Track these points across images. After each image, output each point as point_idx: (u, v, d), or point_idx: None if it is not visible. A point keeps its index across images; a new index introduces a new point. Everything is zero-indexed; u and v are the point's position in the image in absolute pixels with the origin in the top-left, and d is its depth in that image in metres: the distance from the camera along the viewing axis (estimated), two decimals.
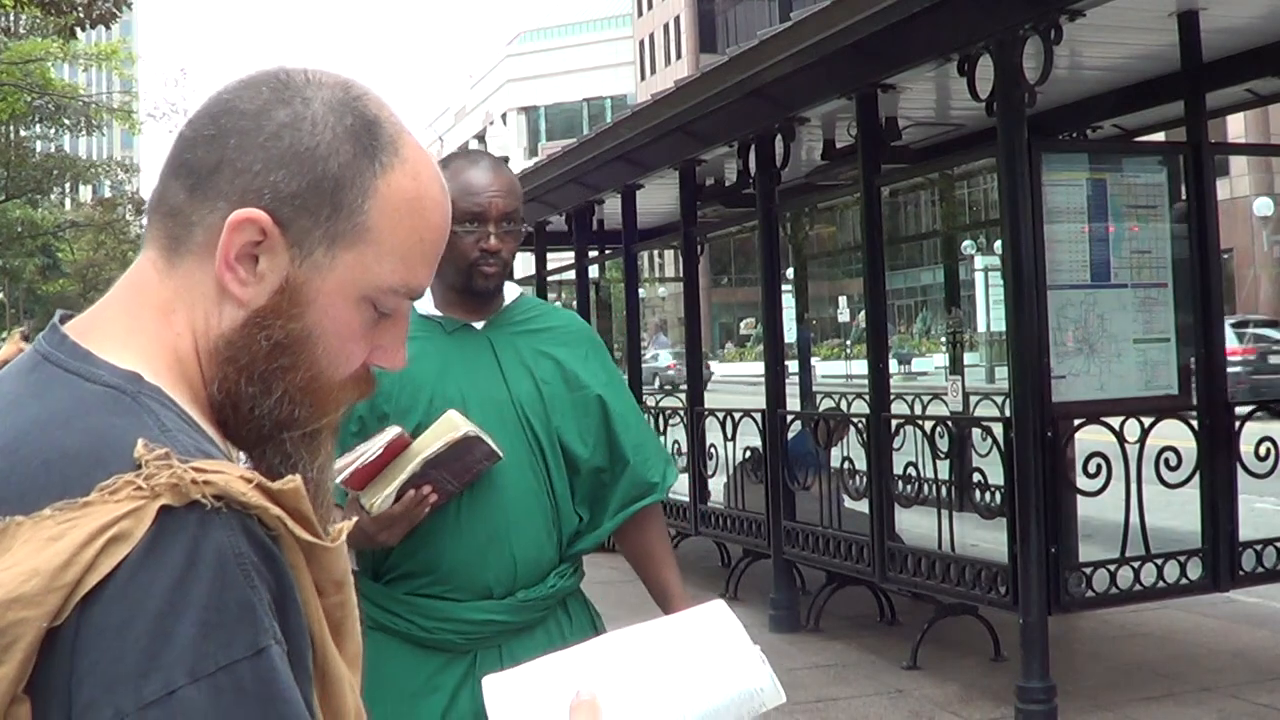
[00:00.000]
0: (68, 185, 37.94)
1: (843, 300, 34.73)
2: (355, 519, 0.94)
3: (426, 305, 2.39)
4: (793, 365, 8.46)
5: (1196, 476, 5.45)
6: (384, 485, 2.12)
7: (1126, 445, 5.24)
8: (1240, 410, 5.67)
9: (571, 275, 10.65)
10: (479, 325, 2.38)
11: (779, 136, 6.82)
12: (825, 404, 8.76)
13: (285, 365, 0.92)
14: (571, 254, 10.27)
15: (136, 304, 0.92)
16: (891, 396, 6.55)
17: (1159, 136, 7.11)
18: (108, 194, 42.71)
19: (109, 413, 0.83)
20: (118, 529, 0.77)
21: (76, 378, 0.86)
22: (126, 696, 0.75)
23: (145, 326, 0.91)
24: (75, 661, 0.76)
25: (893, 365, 8.93)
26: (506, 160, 2.73)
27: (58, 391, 0.85)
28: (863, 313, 7.69)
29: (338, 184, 0.91)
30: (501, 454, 2.19)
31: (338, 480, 2.11)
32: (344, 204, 0.91)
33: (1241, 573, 5.48)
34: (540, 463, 2.32)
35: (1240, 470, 5.53)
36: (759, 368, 7.61)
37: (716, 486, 7.90)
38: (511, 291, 2.45)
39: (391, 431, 2.12)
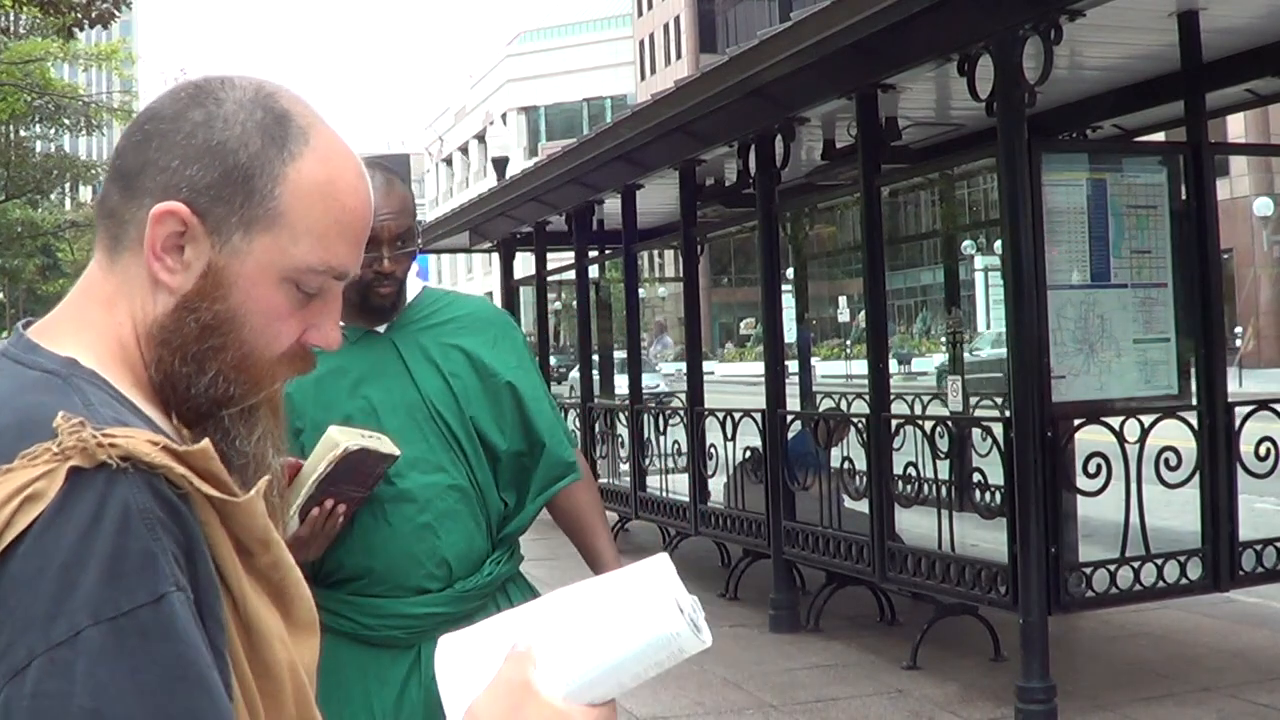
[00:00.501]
0: (68, 185, 37.94)
1: (843, 300, 34.72)
2: (264, 482, 0.98)
3: None
4: (793, 365, 8.46)
5: (1196, 476, 5.45)
6: (286, 511, 2.14)
7: (1126, 445, 5.24)
8: (1240, 410, 5.67)
9: (571, 275, 10.65)
10: (381, 329, 2.38)
11: (779, 136, 6.82)
12: (825, 404, 8.75)
13: (216, 345, 1.00)
14: (571, 254, 10.27)
15: (84, 301, 1.01)
16: (891, 396, 6.55)
17: (1159, 136, 7.11)
18: None
19: (40, 392, 0.92)
20: (33, 489, 0.85)
21: (20, 366, 0.95)
22: (37, 638, 0.82)
23: (90, 319, 1.00)
24: None
25: (892, 365, 8.92)
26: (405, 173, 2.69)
27: (3, 380, 0.95)
28: (863, 313, 7.69)
29: (248, 173, 0.98)
30: (398, 452, 2.19)
31: None
32: (255, 191, 0.98)
33: (1241, 573, 5.48)
34: (460, 456, 2.34)
35: (1240, 470, 5.53)
36: (759, 368, 7.61)
37: (716, 486, 7.90)
38: (414, 287, 2.44)
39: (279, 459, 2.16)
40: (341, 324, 2.30)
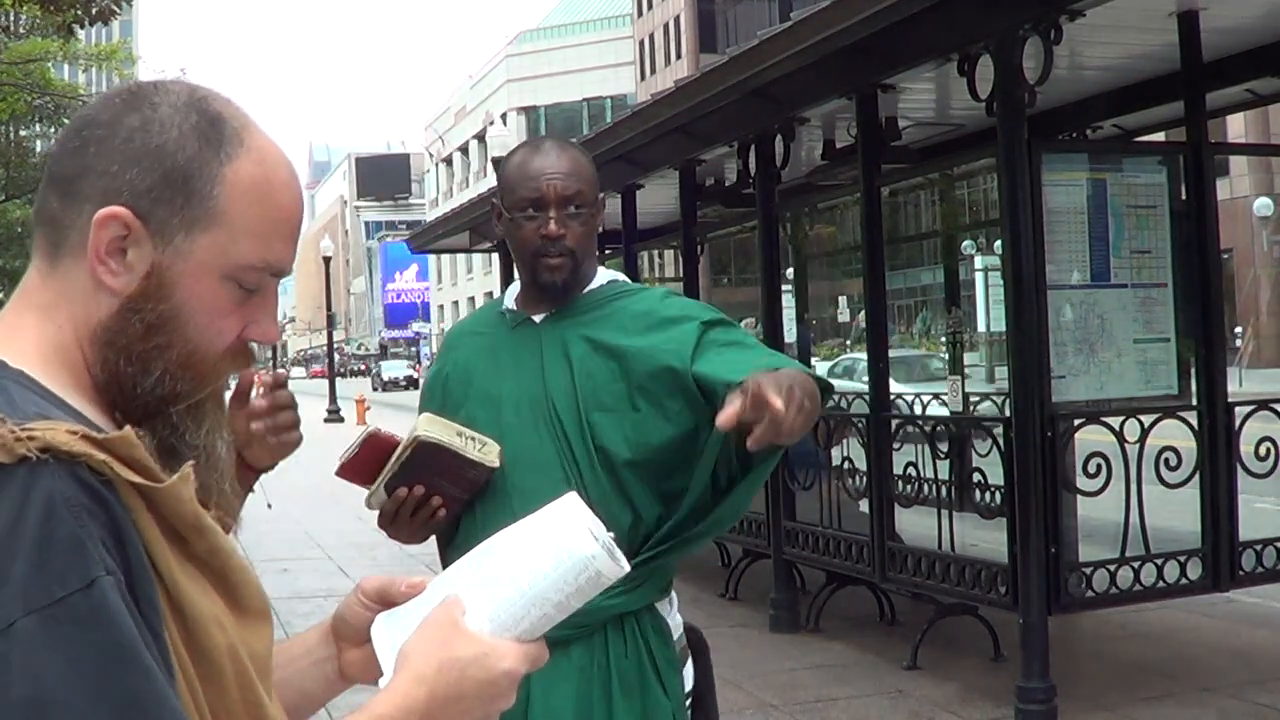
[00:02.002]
0: None
1: (843, 300, 34.69)
2: (188, 468, 0.99)
3: (510, 300, 2.30)
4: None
5: (1196, 476, 5.45)
6: (373, 483, 2.16)
7: (1126, 445, 5.24)
8: (1240, 410, 5.67)
9: None
10: (538, 318, 2.25)
11: (779, 136, 6.82)
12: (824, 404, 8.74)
13: (161, 344, 1.02)
14: None
15: (21, 307, 1.03)
16: (891, 397, 6.55)
17: (1159, 136, 7.11)
18: None
19: None
20: None
21: None
22: None
23: (26, 324, 1.01)
24: None
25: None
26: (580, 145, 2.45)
27: None
28: (863, 313, 7.69)
29: (186, 175, 1.00)
30: (496, 464, 2.09)
31: (335, 471, 2.18)
32: (195, 192, 1.00)
33: (1241, 573, 5.49)
34: (570, 461, 2.14)
35: (1240, 470, 5.53)
36: None
37: None
38: (600, 278, 2.28)
39: (366, 430, 2.17)
40: (514, 309, 2.28)
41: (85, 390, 1.01)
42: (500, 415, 2.18)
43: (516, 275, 2.35)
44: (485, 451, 2.12)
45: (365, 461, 2.14)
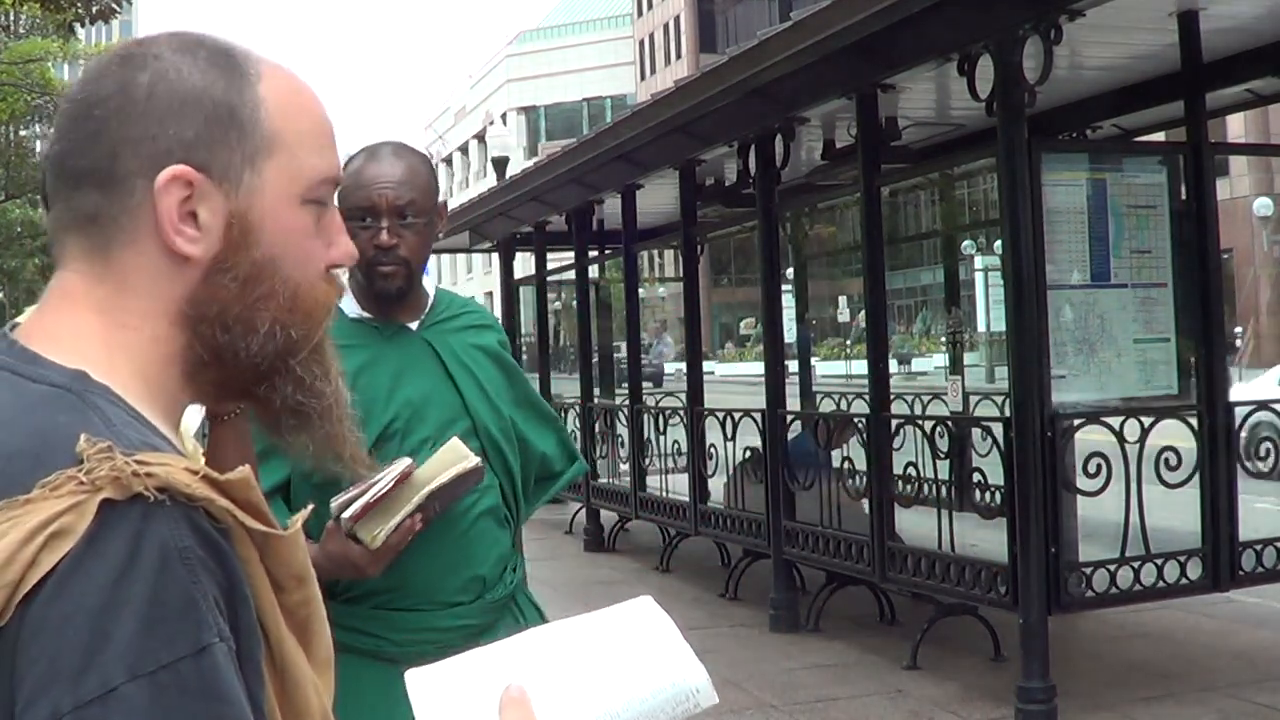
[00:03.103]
0: None
1: (843, 300, 34.70)
2: (307, 512, 0.92)
3: (353, 307, 2.27)
4: (793, 365, 8.46)
5: (1196, 476, 5.45)
6: (386, 518, 2.01)
7: (1126, 445, 5.24)
8: (1240, 410, 5.67)
9: (571, 275, 10.65)
10: (413, 326, 2.28)
11: (779, 136, 6.81)
12: (825, 404, 8.75)
13: (263, 294, 0.92)
14: (571, 254, 10.27)
15: (71, 309, 0.91)
16: (891, 396, 6.55)
17: (1159, 136, 7.11)
18: None
19: (53, 411, 0.82)
20: (59, 524, 0.76)
21: (21, 379, 0.85)
22: (64, 694, 0.73)
23: (87, 325, 0.90)
24: (17, 660, 0.75)
25: (892, 365, 8.93)
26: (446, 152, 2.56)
27: (3, 394, 0.84)
28: (863, 313, 7.69)
29: (230, 109, 0.92)
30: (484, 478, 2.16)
31: (343, 517, 2.01)
32: (244, 122, 0.92)
33: (1241, 573, 5.48)
34: (498, 463, 2.28)
35: (1240, 470, 5.53)
36: (759, 368, 7.61)
37: (716, 486, 7.90)
38: (430, 287, 2.35)
39: (400, 464, 2.01)
40: (370, 317, 2.25)
41: (157, 398, 0.91)
42: (426, 422, 2.19)
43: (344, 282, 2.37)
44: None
45: (381, 500, 1.99)
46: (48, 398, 0.83)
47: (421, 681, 1.06)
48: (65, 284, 0.91)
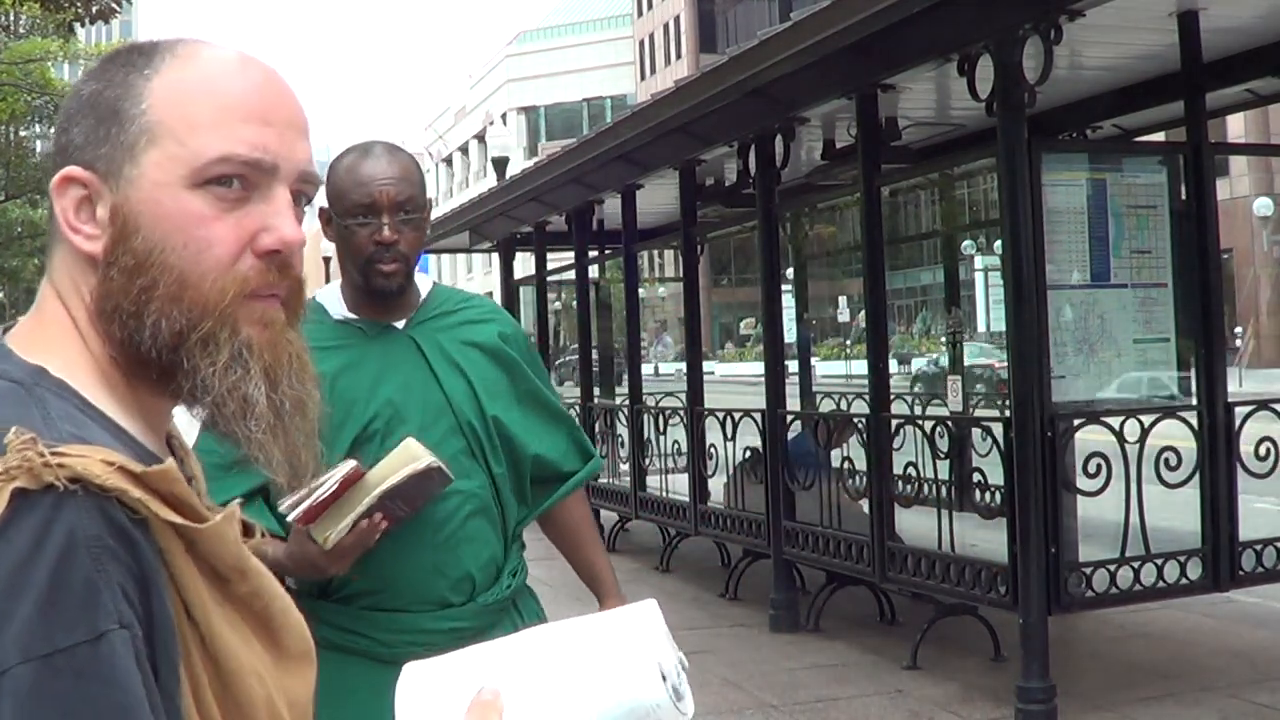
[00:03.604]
0: None
1: (843, 300, 34.71)
2: (235, 507, 0.92)
3: (340, 308, 2.28)
4: (792, 365, 8.46)
5: (1196, 476, 5.45)
6: (338, 519, 2.02)
7: (1126, 445, 5.24)
8: (1240, 410, 5.67)
9: (571, 275, 10.64)
10: (400, 325, 2.28)
11: (779, 136, 6.81)
12: (825, 404, 8.75)
13: (146, 284, 0.92)
14: (571, 254, 10.27)
15: (43, 308, 0.96)
16: (891, 396, 6.55)
17: (1159, 136, 7.11)
18: None
19: (3, 404, 0.85)
20: None
21: None
22: None
23: (57, 325, 0.94)
24: None
25: (892, 365, 8.93)
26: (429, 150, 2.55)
27: None
28: (863, 313, 7.69)
29: (114, 106, 0.93)
30: (453, 477, 2.11)
31: (288, 519, 2.03)
32: (123, 115, 0.93)
33: (1241, 573, 5.48)
34: (481, 462, 2.25)
35: (1240, 470, 5.53)
36: (759, 367, 7.61)
37: (716, 486, 7.90)
38: (424, 284, 2.34)
39: (345, 466, 2.01)
40: (355, 317, 2.25)
41: (119, 393, 0.93)
42: (405, 422, 2.17)
43: (335, 284, 2.35)
44: (445, 465, 2.10)
45: (332, 500, 2.00)
46: (3, 392, 0.87)
47: (412, 675, 1.08)
48: (44, 286, 0.97)
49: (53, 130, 0.98)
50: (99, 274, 0.93)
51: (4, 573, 0.77)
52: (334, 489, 1.98)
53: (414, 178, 2.23)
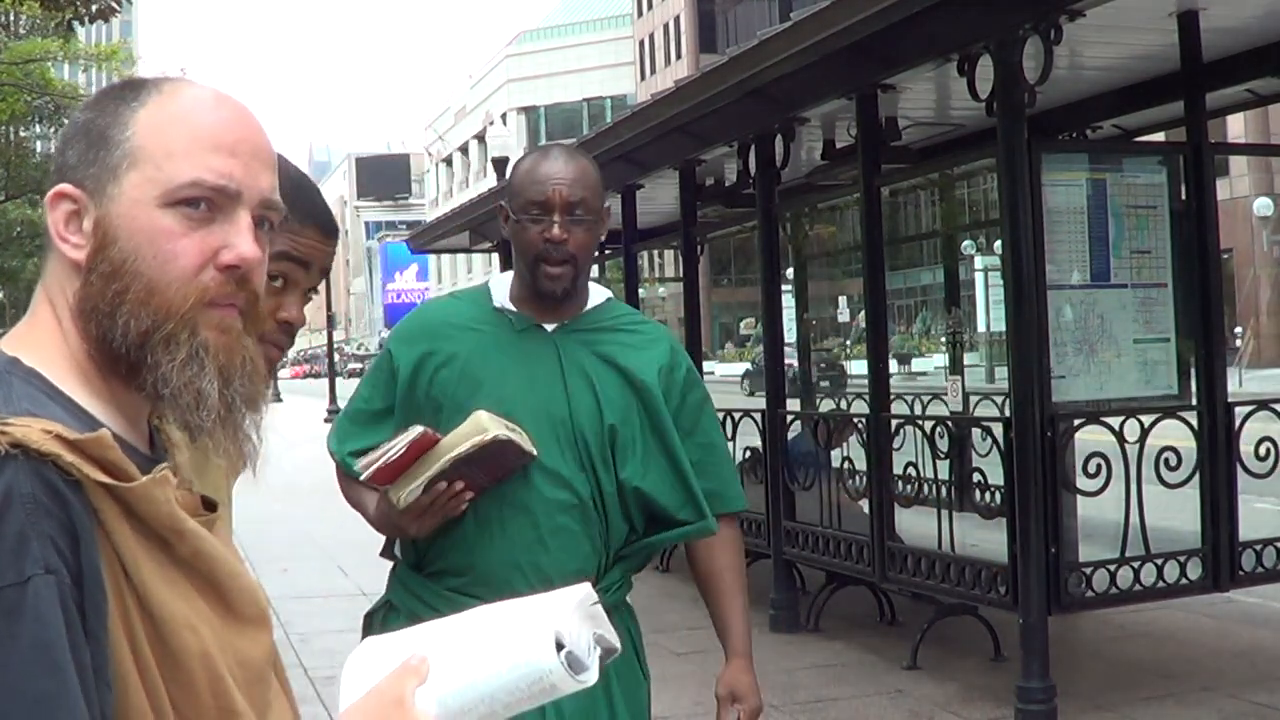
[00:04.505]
0: None
1: (843, 300, 34.70)
2: (165, 472, 1.00)
3: (501, 297, 2.33)
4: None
5: (1196, 476, 5.45)
6: (411, 480, 2.12)
7: (1126, 445, 5.24)
8: (1240, 410, 5.67)
9: None
10: (550, 327, 2.30)
11: (779, 136, 6.81)
12: (825, 404, 8.75)
13: (119, 289, 1.03)
14: None
15: (34, 308, 1.09)
16: (891, 396, 6.55)
17: (1159, 136, 7.11)
18: None
19: None
20: None
21: None
22: None
23: (43, 323, 1.07)
24: None
25: (892, 365, 8.92)
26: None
27: None
28: (863, 313, 7.69)
29: (102, 132, 1.06)
30: (535, 453, 2.14)
31: (362, 477, 2.16)
32: (110, 140, 1.05)
33: (1241, 573, 5.48)
34: (590, 476, 2.23)
35: (1240, 470, 5.53)
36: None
37: None
38: (597, 295, 2.36)
39: (414, 431, 2.09)
40: (512, 309, 2.30)
41: (92, 382, 1.04)
42: (520, 422, 2.17)
43: (510, 273, 2.38)
44: (526, 441, 2.14)
45: (406, 463, 2.12)
46: None
47: (362, 649, 1.15)
48: (38, 289, 1.09)
49: (53, 144, 1.07)
50: (82, 279, 1.05)
51: None
52: (403, 451, 2.08)
53: (590, 182, 2.27)
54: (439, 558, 2.25)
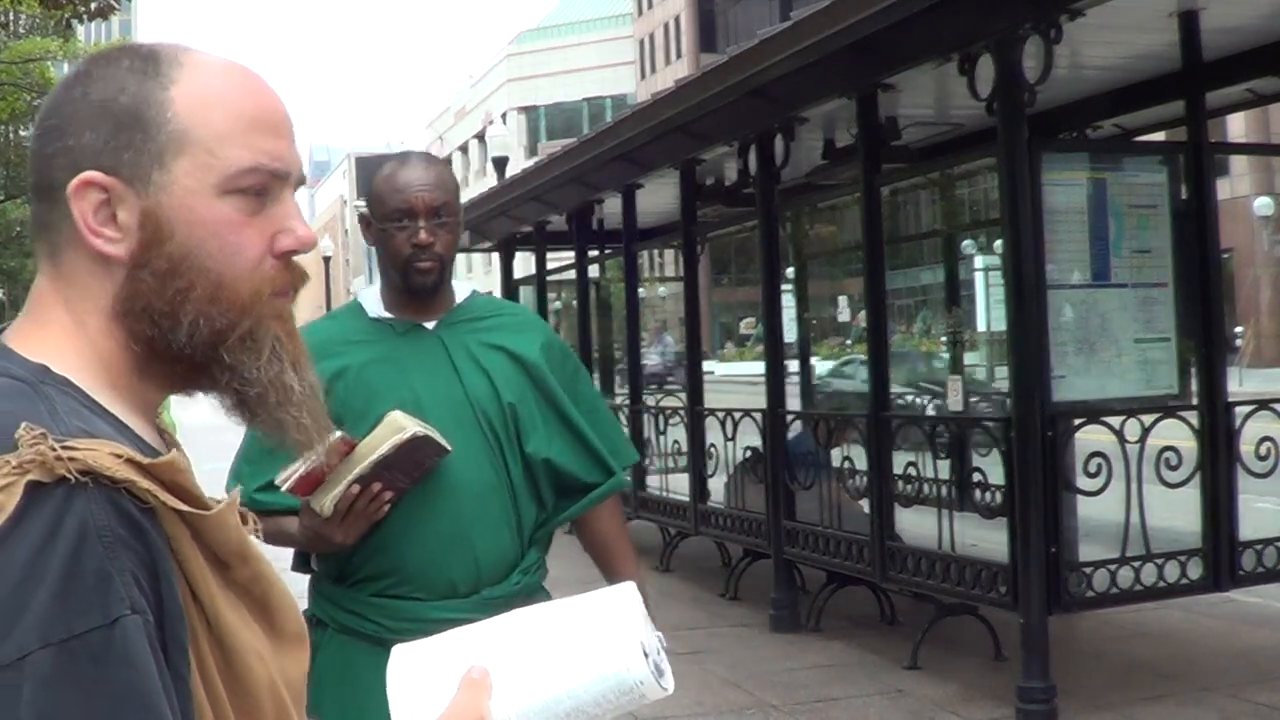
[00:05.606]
0: None
1: (843, 300, 34.69)
2: (236, 494, 0.96)
3: (376, 307, 2.42)
4: (793, 365, 8.45)
5: (1196, 476, 5.45)
6: (332, 487, 2.15)
7: (1126, 445, 5.24)
8: (1240, 410, 5.67)
9: (571, 275, 10.65)
10: (430, 325, 2.40)
11: (779, 136, 6.81)
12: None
13: (182, 287, 0.96)
14: (571, 254, 10.27)
15: (42, 307, 0.99)
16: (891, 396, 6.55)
17: (1159, 136, 7.11)
18: None
19: (6, 401, 0.88)
20: None
21: None
22: None
23: (53, 319, 0.98)
24: None
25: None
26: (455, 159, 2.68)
27: None
28: (863, 313, 7.69)
29: (134, 112, 0.97)
30: (450, 447, 2.21)
31: (282, 489, 2.17)
32: (149, 123, 0.97)
33: (1241, 573, 5.49)
34: (499, 458, 2.33)
35: (1240, 470, 5.53)
36: (759, 367, 7.61)
37: (716, 486, 7.90)
38: (462, 290, 2.48)
39: (330, 437, 2.11)
40: (390, 316, 2.37)
41: (121, 390, 0.97)
42: (425, 416, 2.24)
43: (377, 285, 2.48)
44: (439, 437, 2.20)
45: (325, 472, 2.14)
46: (5, 389, 0.90)
47: (403, 657, 1.13)
48: (38, 286, 1.00)
49: (40, 142, 0.99)
50: (126, 278, 0.96)
51: (21, 562, 0.80)
52: (320, 460, 2.09)
53: (449, 186, 2.38)
54: (364, 564, 2.29)
